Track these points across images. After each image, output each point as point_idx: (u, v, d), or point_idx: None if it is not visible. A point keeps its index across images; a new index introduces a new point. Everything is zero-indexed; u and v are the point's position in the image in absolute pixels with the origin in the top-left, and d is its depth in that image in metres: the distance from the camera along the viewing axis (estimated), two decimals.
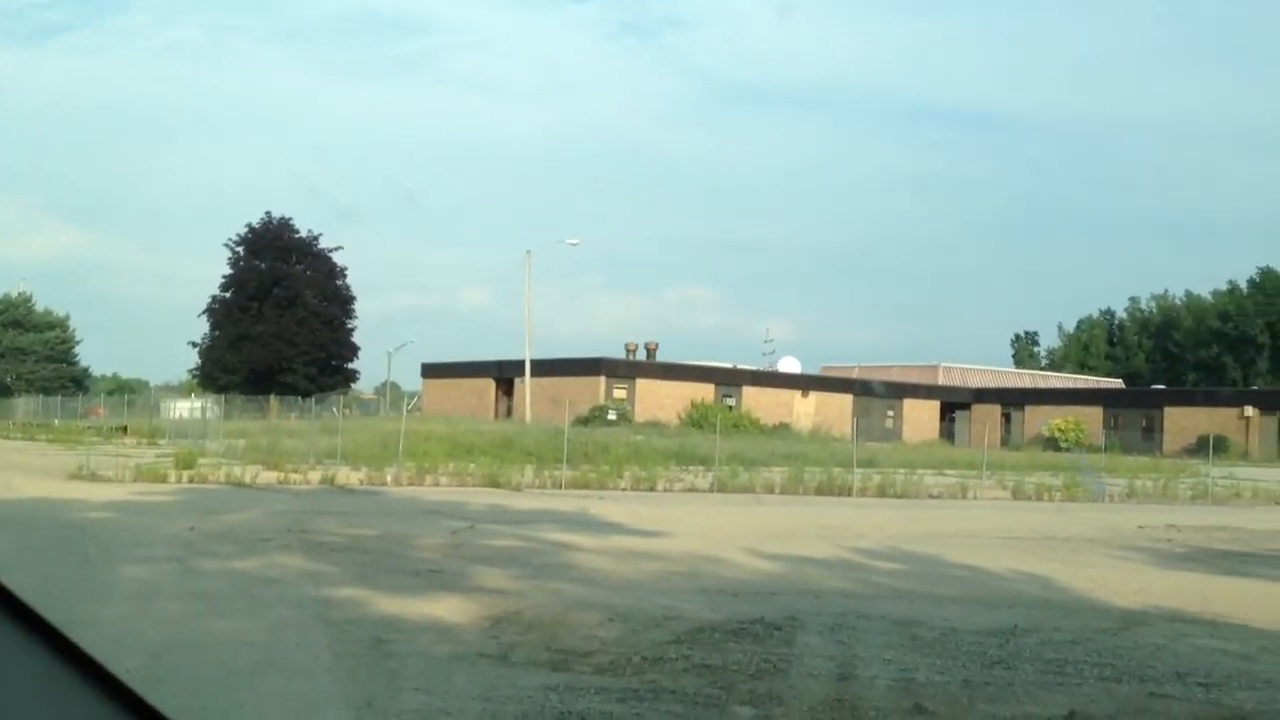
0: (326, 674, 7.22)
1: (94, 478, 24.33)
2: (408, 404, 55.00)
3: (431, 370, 72.46)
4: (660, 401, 59.25)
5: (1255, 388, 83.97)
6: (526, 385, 56.59)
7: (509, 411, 62.41)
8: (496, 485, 26.21)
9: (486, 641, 8.41)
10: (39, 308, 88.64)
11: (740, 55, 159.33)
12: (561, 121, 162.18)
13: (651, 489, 27.45)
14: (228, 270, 65.29)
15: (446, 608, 9.76)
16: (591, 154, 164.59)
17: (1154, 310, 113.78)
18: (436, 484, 26.44)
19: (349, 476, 26.58)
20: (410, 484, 26.12)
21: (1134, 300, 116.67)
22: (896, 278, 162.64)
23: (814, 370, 75.03)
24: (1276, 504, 30.22)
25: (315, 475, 26.40)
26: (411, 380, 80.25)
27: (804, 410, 64.58)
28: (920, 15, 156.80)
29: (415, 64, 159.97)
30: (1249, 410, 62.48)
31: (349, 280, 67.40)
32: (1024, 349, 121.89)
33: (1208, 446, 42.48)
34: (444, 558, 13.25)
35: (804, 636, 8.98)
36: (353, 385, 71.70)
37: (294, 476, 26.02)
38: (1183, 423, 63.22)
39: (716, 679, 7.41)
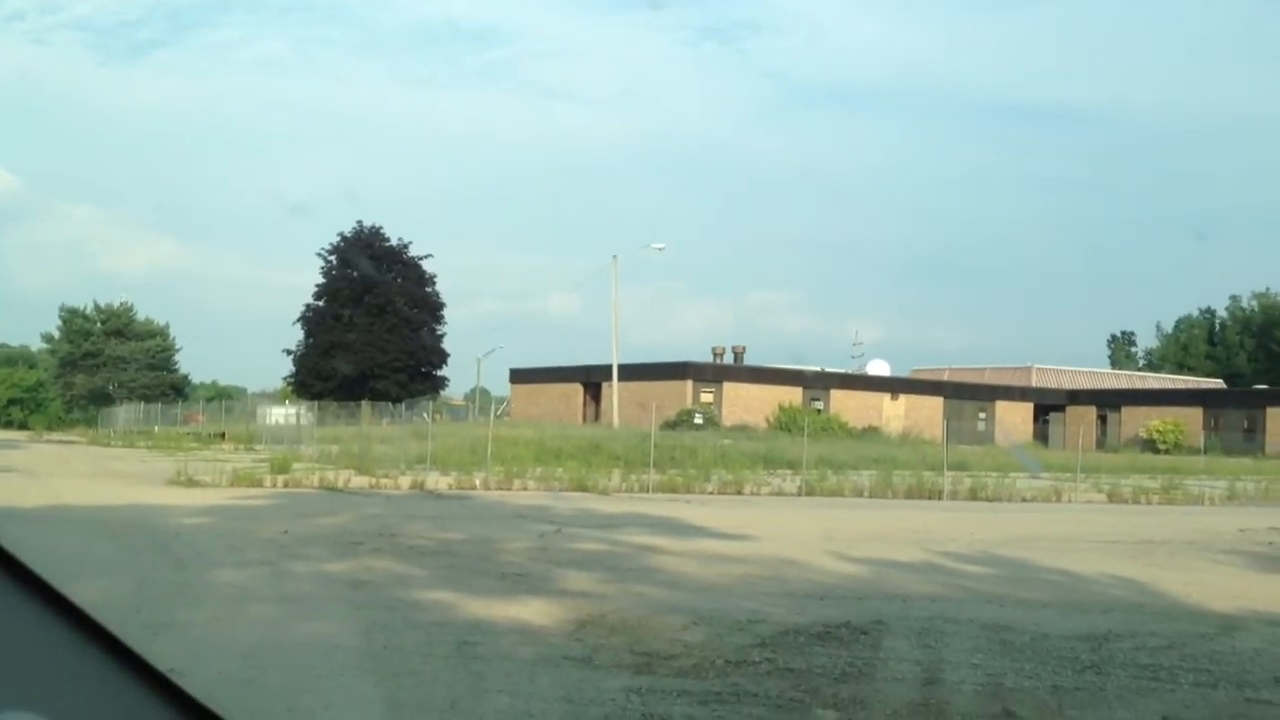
0: (412, 676, 7.30)
1: (191, 483, 24.90)
2: (496, 409, 55.48)
3: (520, 376, 73.01)
4: (747, 405, 59.07)
5: None
6: (614, 390, 56.74)
7: (596, 416, 62.64)
8: (584, 489, 26.33)
9: (571, 644, 8.45)
10: (139, 317, 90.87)
11: (822, 57, 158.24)
12: (643, 127, 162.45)
13: (739, 493, 27.38)
14: (320, 279, 66.52)
15: (532, 611, 9.82)
16: (675, 159, 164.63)
17: (1255, 309, 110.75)
18: (524, 488, 26.63)
19: (439, 481, 26.90)
20: (499, 488, 26.33)
21: (1235, 299, 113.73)
22: (988, 279, 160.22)
23: (904, 373, 74.26)
24: None
25: (405, 480, 26.75)
26: (500, 386, 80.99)
27: (894, 413, 63.94)
28: (1005, 10, 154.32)
29: (496, 73, 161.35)
30: None
31: (439, 287, 68.26)
32: (1120, 349, 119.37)
33: None
34: (530, 561, 13.33)
35: (890, 641, 8.88)
36: (442, 391, 72.47)
37: (385, 481, 26.39)
38: None
39: (800, 682, 7.36)
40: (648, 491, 26.74)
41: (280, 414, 56.08)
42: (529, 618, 9.50)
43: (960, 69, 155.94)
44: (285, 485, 25.27)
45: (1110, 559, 15.27)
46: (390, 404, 54.63)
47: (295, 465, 29.29)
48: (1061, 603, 11.32)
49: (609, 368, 57.61)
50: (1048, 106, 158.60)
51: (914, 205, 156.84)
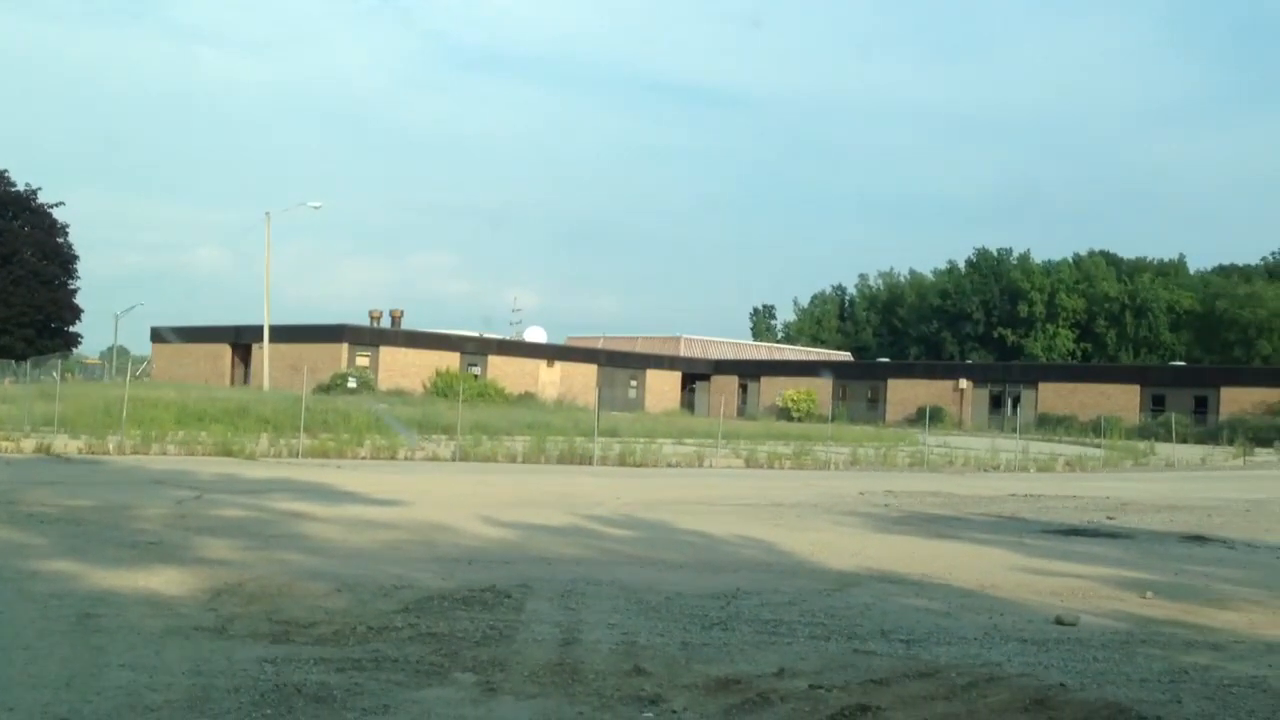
0: (25, 651, 6.83)
1: None
2: (136, 370, 52.39)
3: (162, 335, 69.27)
4: (405, 370, 58.56)
5: (969, 362, 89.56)
6: (265, 352, 54.82)
7: (246, 379, 60.43)
8: (229, 454, 25.35)
9: (204, 614, 8.14)
10: None
11: (481, 21, 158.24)
12: (299, 79, 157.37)
13: (392, 458, 27.14)
14: None
15: (164, 580, 9.40)
16: (332, 114, 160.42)
17: (881, 287, 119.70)
18: (164, 453, 25.36)
19: (67, 445, 25.20)
20: (135, 453, 24.97)
21: (863, 277, 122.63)
22: (641, 249, 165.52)
23: (560, 340, 75.61)
24: (984, 470, 32.38)
25: (29, 444, 24.92)
26: (142, 345, 76.59)
27: (549, 380, 65.01)
28: None
29: (136, 11, 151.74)
30: (963, 383, 66.71)
31: (71, 238, 63.74)
32: (761, 322, 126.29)
33: (925, 416, 45.16)
34: (166, 529, 12.73)
35: (533, 603, 9.07)
36: (75, 349, 67.81)
37: (5, 444, 24.49)
38: (904, 394, 66.96)
39: (441, 647, 7.40)
40: (298, 456, 26.05)
41: None
42: (160, 587, 9.09)
43: (617, 44, 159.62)
44: None
45: (744, 521, 16.16)
46: (14, 362, 50.74)
47: None
48: (696, 563, 11.89)
49: (260, 328, 55.57)
50: (702, 86, 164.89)
51: (571, 173, 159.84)
